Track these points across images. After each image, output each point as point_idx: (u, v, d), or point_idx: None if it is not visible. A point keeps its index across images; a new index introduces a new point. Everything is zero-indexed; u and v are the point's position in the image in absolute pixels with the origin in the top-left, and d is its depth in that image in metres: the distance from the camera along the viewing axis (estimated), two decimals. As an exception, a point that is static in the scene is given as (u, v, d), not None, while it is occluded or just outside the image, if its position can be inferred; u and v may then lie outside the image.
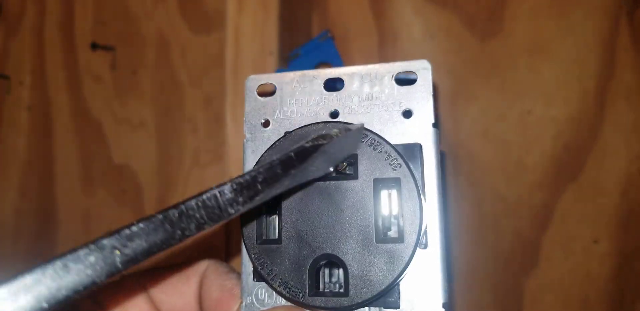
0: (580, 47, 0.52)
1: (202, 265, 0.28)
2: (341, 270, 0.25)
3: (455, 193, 0.53)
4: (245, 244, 0.27)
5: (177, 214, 0.20)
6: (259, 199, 0.22)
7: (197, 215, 0.20)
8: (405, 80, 0.27)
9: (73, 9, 0.67)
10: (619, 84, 0.51)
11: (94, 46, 0.65)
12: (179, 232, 0.20)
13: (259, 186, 0.22)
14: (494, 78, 0.53)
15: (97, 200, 0.65)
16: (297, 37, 0.58)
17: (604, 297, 0.50)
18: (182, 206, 0.20)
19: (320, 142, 0.24)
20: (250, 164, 0.28)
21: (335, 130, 0.25)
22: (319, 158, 0.24)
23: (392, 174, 0.24)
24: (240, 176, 0.22)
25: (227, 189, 0.21)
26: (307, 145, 0.24)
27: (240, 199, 0.22)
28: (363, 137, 0.25)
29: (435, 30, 0.55)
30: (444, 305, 0.24)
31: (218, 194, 0.21)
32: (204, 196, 0.21)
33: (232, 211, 0.21)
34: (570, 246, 0.51)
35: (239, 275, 0.27)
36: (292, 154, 0.23)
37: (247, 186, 0.22)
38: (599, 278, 0.51)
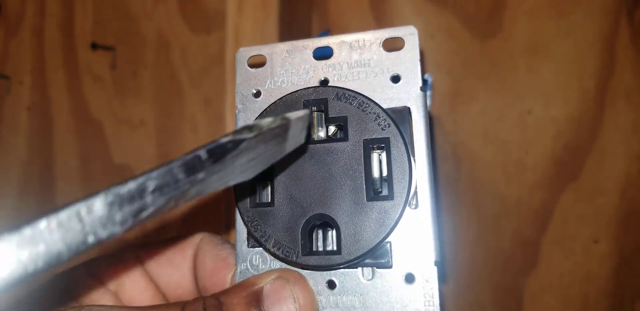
0: (580, 47, 0.52)
1: (197, 238, 0.28)
2: (334, 230, 0.25)
3: (455, 193, 0.54)
4: (238, 209, 0.27)
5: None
6: (148, 215, 0.16)
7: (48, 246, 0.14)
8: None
9: (73, 9, 0.67)
10: (618, 84, 0.51)
11: (94, 46, 0.65)
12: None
13: (148, 199, 0.16)
14: (494, 78, 0.53)
15: (97, 200, 0.65)
16: (297, 37, 0.58)
17: (603, 297, 0.51)
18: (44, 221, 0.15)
19: (242, 137, 0.20)
20: None
21: (268, 120, 0.22)
22: (241, 156, 0.20)
23: (381, 134, 0.25)
24: (122, 184, 0.16)
25: (98, 204, 0.15)
26: (224, 140, 0.20)
27: (118, 217, 0.15)
28: (352, 99, 0.26)
29: (435, 31, 0.55)
30: (436, 263, 0.24)
31: (84, 211, 0.15)
32: (61, 215, 0.15)
33: (102, 234, 0.15)
34: (570, 246, 0.51)
35: (233, 245, 0.28)
36: (203, 152, 0.19)
37: (129, 198, 0.16)
38: (598, 278, 0.51)
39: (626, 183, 0.50)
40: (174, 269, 0.28)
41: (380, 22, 0.57)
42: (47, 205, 0.67)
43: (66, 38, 0.68)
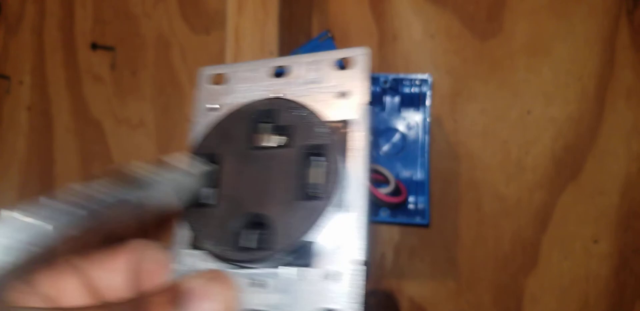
0: (580, 47, 0.52)
1: (132, 243, 0.29)
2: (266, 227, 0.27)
3: (454, 193, 0.54)
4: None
5: None
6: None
7: None
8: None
9: (73, 9, 0.67)
10: (618, 84, 0.51)
11: (94, 46, 0.65)
12: None
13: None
14: (494, 78, 0.53)
15: (97, 200, 0.65)
16: (297, 37, 0.58)
17: (603, 296, 0.51)
18: None
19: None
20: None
21: (143, 170, 0.22)
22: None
23: (321, 141, 0.27)
24: None
25: None
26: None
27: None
28: (297, 110, 0.27)
29: (435, 31, 0.55)
30: (363, 263, 0.25)
31: None
32: None
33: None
34: (570, 246, 0.51)
35: (169, 249, 0.29)
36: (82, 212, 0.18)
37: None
38: (598, 278, 0.51)
39: (626, 182, 0.50)
40: (110, 273, 0.28)
41: (380, 22, 0.57)
42: (47, 205, 0.67)
43: (66, 38, 0.68)
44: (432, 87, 0.49)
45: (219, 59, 0.59)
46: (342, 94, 0.28)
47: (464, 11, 0.54)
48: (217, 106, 0.30)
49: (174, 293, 0.24)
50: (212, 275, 0.26)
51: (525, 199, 0.52)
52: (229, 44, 0.57)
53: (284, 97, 0.28)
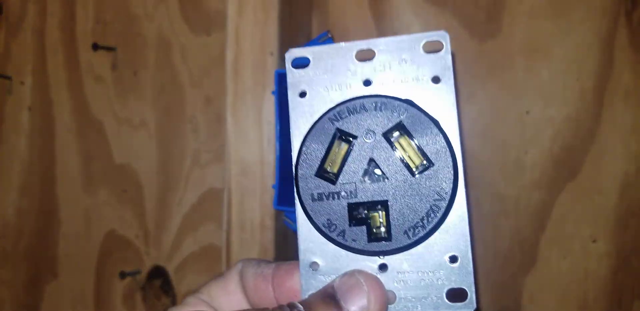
0: (579, 47, 0.52)
1: (238, 265, 0.31)
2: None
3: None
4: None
5: None
6: None
7: None
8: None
9: (74, 9, 0.68)
10: (617, 84, 0.51)
11: (95, 47, 0.66)
12: None
13: None
14: (493, 78, 0.54)
15: (98, 200, 0.65)
16: (297, 38, 0.58)
17: (602, 296, 0.51)
18: None
19: None
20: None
21: None
22: None
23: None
24: None
25: None
26: None
27: None
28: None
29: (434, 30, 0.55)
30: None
31: None
32: None
33: None
34: (569, 246, 0.51)
35: (270, 262, 0.30)
36: None
37: None
38: (597, 277, 0.51)
39: (624, 182, 0.51)
40: (230, 296, 0.30)
41: (380, 22, 0.57)
42: (48, 205, 0.68)
43: (67, 38, 0.68)
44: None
45: (220, 60, 0.59)
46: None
47: (463, 12, 0.55)
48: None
49: (325, 291, 0.26)
50: (352, 271, 0.27)
51: (524, 198, 0.52)
52: (229, 44, 0.58)
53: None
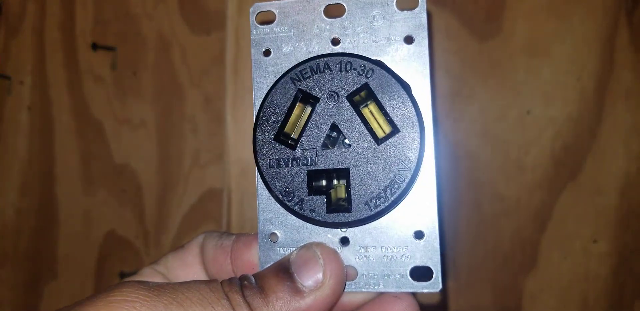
0: (579, 47, 0.52)
1: (200, 237, 0.31)
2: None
3: (454, 193, 0.54)
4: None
5: None
6: None
7: None
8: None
9: (74, 9, 0.68)
10: (617, 84, 0.51)
11: (95, 46, 0.65)
12: None
13: None
14: (493, 78, 0.54)
15: (98, 200, 0.65)
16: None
17: (602, 296, 0.51)
18: None
19: None
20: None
21: None
22: None
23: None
24: None
25: None
26: None
27: None
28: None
29: (434, 31, 0.55)
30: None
31: None
32: None
33: None
34: (569, 246, 0.51)
35: (232, 235, 0.30)
36: None
37: None
38: (597, 277, 0.51)
39: (625, 182, 0.50)
40: (188, 268, 0.30)
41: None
42: (48, 204, 0.68)
43: (67, 38, 0.68)
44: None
45: (220, 60, 0.59)
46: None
47: (463, 11, 0.55)
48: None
49: (280, 264, 0.25)
50: (309, 244, 0.26)
51: (525, 199, 0.52)
52: (229, 44, 0.58)
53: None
